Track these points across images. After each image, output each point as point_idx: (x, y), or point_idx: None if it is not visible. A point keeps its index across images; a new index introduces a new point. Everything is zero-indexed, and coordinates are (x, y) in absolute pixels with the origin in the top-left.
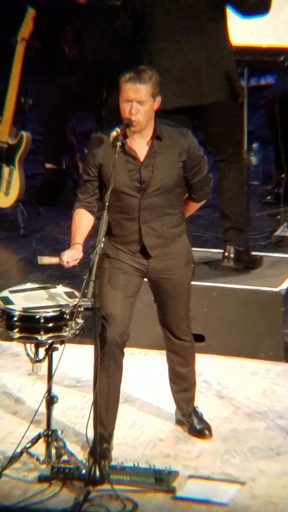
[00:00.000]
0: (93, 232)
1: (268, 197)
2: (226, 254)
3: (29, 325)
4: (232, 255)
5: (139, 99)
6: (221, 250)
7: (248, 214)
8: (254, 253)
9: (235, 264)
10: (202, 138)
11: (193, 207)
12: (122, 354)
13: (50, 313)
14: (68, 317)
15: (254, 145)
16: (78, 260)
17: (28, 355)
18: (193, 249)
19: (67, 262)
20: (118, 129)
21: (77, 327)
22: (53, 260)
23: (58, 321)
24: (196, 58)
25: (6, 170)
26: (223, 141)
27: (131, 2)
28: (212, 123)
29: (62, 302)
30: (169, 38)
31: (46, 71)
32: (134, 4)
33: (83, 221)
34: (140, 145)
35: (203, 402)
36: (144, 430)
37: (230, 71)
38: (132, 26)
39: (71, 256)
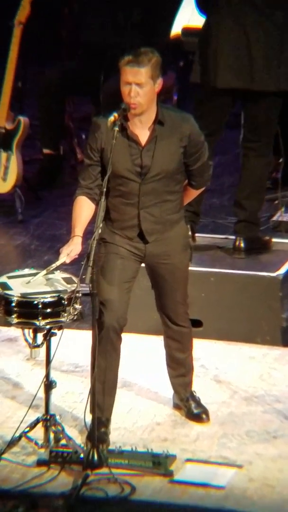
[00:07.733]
0: (92, 217)
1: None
2: (237, 245)
3: (27, 311)
4: (242, 246)
5: (138, 81)
6: (219, 235)
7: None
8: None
9: (246, 255)
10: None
11: (192, 194)
12: (120, 339)
13: (48, 298)
14: (66, 302)
15: None
16: (77, 254)
17: (26, 340)
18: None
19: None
20: (115, 114)
21: (75, 313)
22: (59, 262)
23: (56, 307)
24: (256, 42)
25: (3, 155)
26: (263, 130)
27: None
28: (258, 110)
29: (60, 288)
30: (233, 17)
31: (44, 55)
32: None
33: (83, 210)
34: (142, 130)
35: (200, 386)
36: (141, 415)
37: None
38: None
39: (71, 255)
